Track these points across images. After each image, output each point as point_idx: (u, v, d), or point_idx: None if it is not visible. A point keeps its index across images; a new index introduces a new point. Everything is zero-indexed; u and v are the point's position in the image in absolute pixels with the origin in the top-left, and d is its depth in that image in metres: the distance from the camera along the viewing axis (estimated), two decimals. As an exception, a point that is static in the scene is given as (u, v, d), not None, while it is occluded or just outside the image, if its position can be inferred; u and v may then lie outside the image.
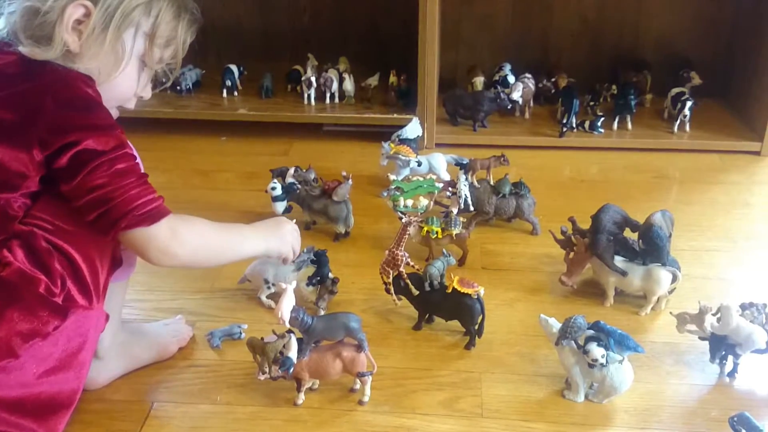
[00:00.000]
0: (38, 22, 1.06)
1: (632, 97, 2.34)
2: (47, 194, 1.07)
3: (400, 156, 1.99)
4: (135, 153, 1.12)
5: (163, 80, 1.25)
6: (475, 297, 1.41)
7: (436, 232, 1.67)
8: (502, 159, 1.94)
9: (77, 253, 1.07)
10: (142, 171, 1.11)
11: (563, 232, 1.61)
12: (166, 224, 1.10)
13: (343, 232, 1.81)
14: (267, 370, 1.24)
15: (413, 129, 2.08)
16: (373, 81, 2.45)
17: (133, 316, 1.52)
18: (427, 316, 1.50)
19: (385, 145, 2.02)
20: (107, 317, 1.17)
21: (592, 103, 2.42)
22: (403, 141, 2.04)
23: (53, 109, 1.03)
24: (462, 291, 1.41)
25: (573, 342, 1.29)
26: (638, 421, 1.27)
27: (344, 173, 1.80)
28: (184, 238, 1.14)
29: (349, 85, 2.43)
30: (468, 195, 1.79)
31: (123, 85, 1.15)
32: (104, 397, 1.31)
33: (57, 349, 1.07)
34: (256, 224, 1.34)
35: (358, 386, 1.31)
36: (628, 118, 2.36)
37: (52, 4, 1.05)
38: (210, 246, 1.22)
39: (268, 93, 2.50)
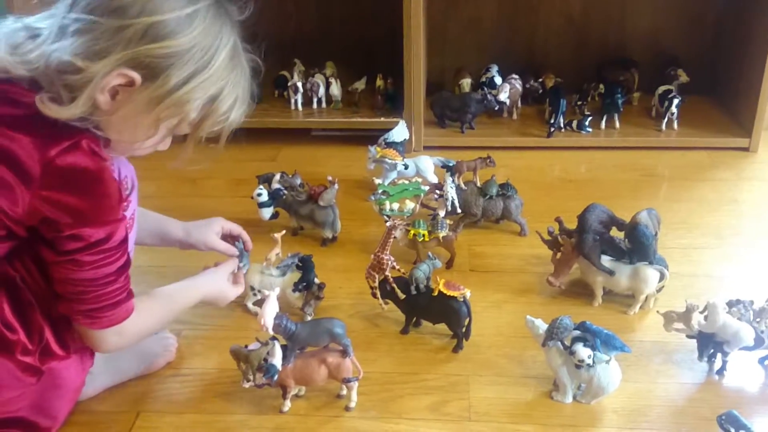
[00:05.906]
0: (71, 80, 0.96)
1: (619, 95, 2.33)
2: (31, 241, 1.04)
3: (386, 159, 1.98)
4: (128, 232, 1.09)
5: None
6: (462, 300, 1.40)
7: (423, 235, 1.67)
8: (488, 160, 1.93)
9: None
10: (127, 259, 1.09)
11: (550, 233, 1.61)
12: (116, 327, 1.12)
13: (330, 236, 1.80)
14: (251, 377, 1.23)
15: (400, 132, 2.07)
16: (360, 85, 2.43)
17: (119, 326, 1.51)
18: (414, 320, 1.49)
19: (372, 148, 2.01)
20: (92, 354, 1.18)
21: (579, 103, 2.41)
22: (390, 144, 2.03)
23: (51, 182, 0.96)
24: (448, 294, 1.40)
25: (559, 343, 1.28)
26: (627, 421, 1.27)
27: (330, 178, 1.79)
28: (130, 333, 1.16)
29: (335, 89, 2.42)
30: (455, 197, 1.79)
31: (141, 149, 1.10)
32: (90, 408, 1.30)
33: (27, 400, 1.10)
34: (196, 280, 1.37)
35: (344, 392, 1.30)
36: (616, 117, 2.35)
37: (97, 68, 0.95)
38: (150, 328, 1.25)
39: (255, 99, 2.48)
